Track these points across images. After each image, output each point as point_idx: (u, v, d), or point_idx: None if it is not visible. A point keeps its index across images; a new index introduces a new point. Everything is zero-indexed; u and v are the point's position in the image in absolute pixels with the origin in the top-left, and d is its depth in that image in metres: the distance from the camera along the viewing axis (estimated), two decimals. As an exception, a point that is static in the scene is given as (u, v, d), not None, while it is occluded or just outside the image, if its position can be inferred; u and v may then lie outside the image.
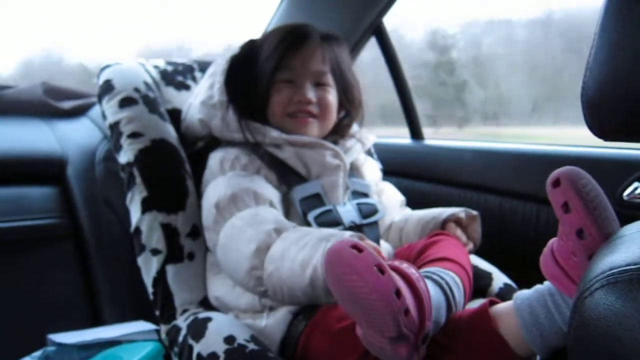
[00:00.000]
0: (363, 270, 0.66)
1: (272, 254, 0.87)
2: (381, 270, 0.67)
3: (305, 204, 1.06)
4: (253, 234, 0.91)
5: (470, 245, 1.13)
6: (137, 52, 2.27)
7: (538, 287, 0.79)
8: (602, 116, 0.54)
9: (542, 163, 1.31)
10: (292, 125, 1.11)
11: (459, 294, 0.85)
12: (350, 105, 1.20)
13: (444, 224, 1.14)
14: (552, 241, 0.76)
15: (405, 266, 0.76)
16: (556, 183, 0.70)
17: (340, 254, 0.67)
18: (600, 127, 0.55)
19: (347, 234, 0.83)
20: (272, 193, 1.04)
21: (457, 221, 1.15)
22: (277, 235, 0.90)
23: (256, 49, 1.15)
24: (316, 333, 0.91)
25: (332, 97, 1.15)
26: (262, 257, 0.88)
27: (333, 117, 1.17)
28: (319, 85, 1.13)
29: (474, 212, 1.15)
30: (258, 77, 1.12)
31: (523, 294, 0.80)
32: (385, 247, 1.16)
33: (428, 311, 0.73)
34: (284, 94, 1.11)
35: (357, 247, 0.67)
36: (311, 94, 1.11)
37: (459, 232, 1.13)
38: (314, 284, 0.80)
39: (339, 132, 1.20)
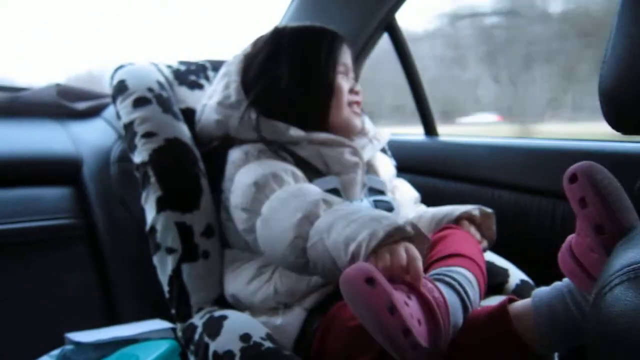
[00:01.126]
0: (373, 309, 0.65)
1: (319, 225, 0.83)
2: (392, 310, 0.65)
3: None
4: (300, 204, 0.88)
5: (485, 244, 1.12)
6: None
7: (556, 284, 0.79)
8: (620, 109, 0.53)
9: (557, 158, 1.30)
10: (350, 114, 1.15)
11: (473, 293, 0.84)
12: None
13: (457, 221, 1.13)
14: (570, 237, 0.76)
15: (428, 288, 0.74)
16: (573, 178, 0.69)
17: (353, 286, 0.66)
18: (618, 120, 0.54)
19: (403, 219, 0.78)
20: (303, 178, 1.04)
21: (471, 219, 1.14)
22: (325, 205, 0.87)
23: (285, 47, 1.14)
24: (331, 330, 0.91)
25: None
26: (308, 227, 0.84)
27: None
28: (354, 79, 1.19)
29: (488, 210, 1.14)
30: (310, 75, 1.12)
31: (541, 291, 0.80)
32: None
33: (445, 334, 0.73)
34: (344, 87, 1.14)
35: (371, 280, 0.65)
36: (358, 84, 1.18)
37: (472, 229, 1.12)
38: (356, 261, 0.75)
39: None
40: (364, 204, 0.88)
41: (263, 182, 0.97)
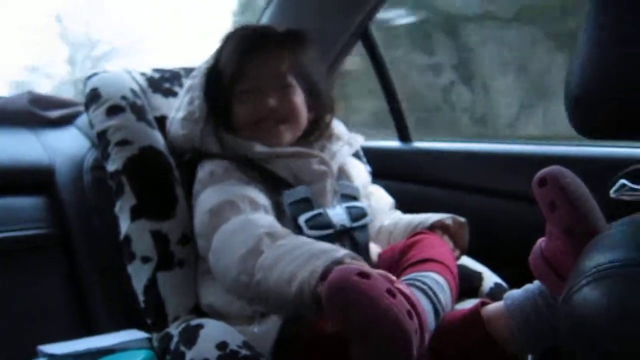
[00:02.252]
0: (374, 296, 0.65)
1: (262, 262, 0.84)
2: (392, 294, 0.66)
3: (295, 208, 1.06)
4: (245, 238, 0.89)
5: (457, 253, 1.13)
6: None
7: (528, 286, 0.80)
8: (586, 114, 0.54)
9: (529, 162, 1.32)
10: (262, 134, 1.11)
11: (444, 297, 0.85)
12: (317, 104, 1.19)
13: (430, 230, 1.14)
14: (540, 241, 0.77)
15: (403, 286, 0.75)
16: (542, 183, 0.71)
17: (348, 282, 0.66)
18: (584, 124, 0.55)
19: (342, 252, 0.78)
20: (265, 200, 1.04)
21: (444, 227, 1.15)
22: (269, 240, 0.87)
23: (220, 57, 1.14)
24: (309, 337, 0.91)
25: (297, 98, 1.14)
26: (252, 262, 0.85)
27: (302, 118, 1.16)
28: (281, 88, 1.12)
29: (462, 219, 1.15)
30: (221, 89, 1.11)
31: (513, 294, 0.81)
32: (375, 250, 1.16)
33: (426, 327, 0.73)
34: (245, 105, 1.11)
35: (364, 274, 0.66)
36: (272, 100, 1.10)
37: (445, 238, 1.13)
38: (299, 300, 0.76)
39: (322, 134, 1.20)
40: (306, 239, 0.86)
41: (217, 209, 0.98)
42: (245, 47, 1.10)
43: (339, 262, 0.75)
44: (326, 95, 1.20)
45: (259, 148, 1.09)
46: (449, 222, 1.15)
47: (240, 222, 0.94)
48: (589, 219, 0.69)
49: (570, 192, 0.69)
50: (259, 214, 0.98)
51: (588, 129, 0.55)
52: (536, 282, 0.79)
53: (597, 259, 0.48)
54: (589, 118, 0.54)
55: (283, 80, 1.12)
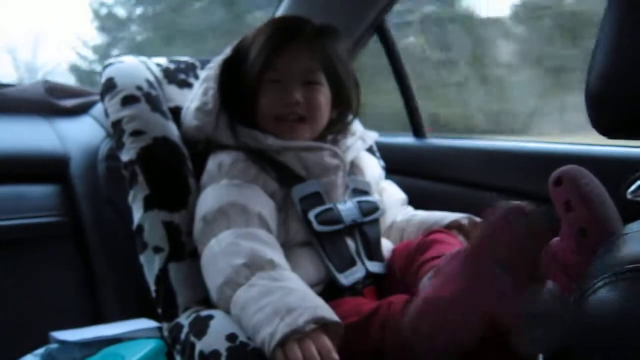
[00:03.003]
0: None
1: (236, 299, 0.88)
2: None
3: (305, 203, 1.06)
4: (223, 267, 0.92)
5: None
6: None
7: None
8: (606, 113, 0.54)
9: (544, 161, 1.31)
10: (281, 129, 1.10)
11: None
12: (343, 103, 1.19)
13: (446, 229, 1.14)
14: (553, 241, 0.76)
15: None
16: (558, 182, 0.70)
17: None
18: (604, 124, 0.55)
19: (304, 317, 0.79)
20: (263, 204, 1.03)
21: (460, 228, 1.14)
22: (246, 271, 0.90)
23: (246, 48, 1.13)
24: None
25: (322, 96, 1.13)
26: (229, 293, 0.90)
27: (324, 117, 1.15)
28: (309, 84, 1.11)
29: (478, 220, 1.15)
30: (245, 78, 1.10)
31: None
32: (386, 245, 1.16)
33: None
34: (271, 95, 1.10)
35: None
36: (298, 94, 1.09)
37: (460, 238, 1.12)
38: (263, 349, 0.81)
39: (339, 131, 1.19)
40: (282, 276, 0.90)
41: (210, 218, 1.00)
42: (279, 38, 1.10)
43: (297, 331, 0.78)
44: (352, 94, 1.19)
45: (271, 140, 1.09)
46: (464, 222, 1.14)
47: (226, 244, 0.95)
48: (603, 221, 0.68)
49: (586, 192, 0.68)
50: (249, 230, 0.98)
51: (607, 128, 0.54)
52: (548, 282, 0.79)
53: (613, 260, 0.47)
54: (608, 117, 0.54)
55: (311, 77, 1.12)
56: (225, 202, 1.00)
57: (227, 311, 0.92)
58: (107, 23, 2.99)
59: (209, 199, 1.04)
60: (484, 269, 0.71)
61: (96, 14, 2.99)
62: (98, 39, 2.98)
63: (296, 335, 0.78)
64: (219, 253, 0.95)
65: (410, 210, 1.30)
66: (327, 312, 0.82)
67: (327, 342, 0.79)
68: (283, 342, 0.78)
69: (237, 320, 0.89)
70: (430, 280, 0.81)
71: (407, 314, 0.77)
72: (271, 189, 1.06)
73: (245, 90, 1.11)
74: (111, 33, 2.98)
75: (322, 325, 0.81)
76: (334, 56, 1.15)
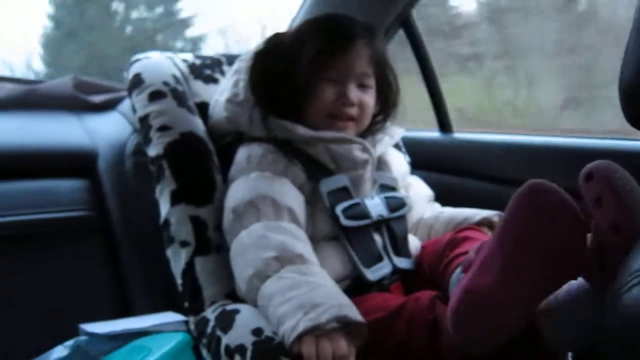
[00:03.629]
0: None
1: (264, 291, 0.89)
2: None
3: (332, 197, 1.05)
4: (253, 259, 0.92)
5: None
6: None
7: (572, 283, 0.78)
8: (639, 106, 0.52)
9: (573, 156, 1.28)
10: (331, 126, 1.10)
11: None
12: (386, 105, 1.18)
13: (477, 225, 1.12)
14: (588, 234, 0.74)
15: None
16: (589, 177, 0.68)
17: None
18: (637, 117, 0.53)
19: (327, 314, 0.80)
20: (293, 198, 1.03)
21: (490, 225, 1.13)
22: (276, 264, 0.90)
23: (288, 42, 1.12)
24: None
25: (371, 99, 1.13)
26: (257, 284, 0.90)
27: (369, 119, 1.15)
28: (361, 86, 1.11)
29: None
30: (297, 73, 1.08)
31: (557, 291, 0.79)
32: (413, 242, 1.15)
33: None
34: (329, 94, 1.08)
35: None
36: (354, 95, 1.09)
37: (491, 236, 1.11)
38: (283, 340, 0.82)
39: (371, 130, 1.19)
40: (311, 271, 0.90)
41: (240, 211, 1.00)
42: (338, 38, 1.09)
43: (318, 327, 0.78)
44: (395, 98, 1.18)
45: (302, 130, 1.08)
46: (495, 219, 1.13)
47: (256, 236, 0.96)
48: (637, 217, 0.66)
49: (618, 187, 0.66)
50: (279, 223, 0.98)
51: (642, 121, 0.53)
52: (579, 279, 0.77)
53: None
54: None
55: (366, 80, 1.11)
56: (256, 194, 1.01)
57: (254, 303, 0.93)
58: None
59: (239, 191, 1.04)
60: (516, 257, 0.70)
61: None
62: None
63: (317, 332, 0.79)
64: (250, 245, 0.95)
65: (437, 207, 1.29)
66: (351, 310, 0.82)
67: (343, 345, 0.79)
68: (302, 337, 0.78)
69: (263, 311, 0.89)
70: (462, 272, 0.80)
71: (449, 307, 0.76)
72: (300, 181, 1.06)
73: (293, 84, 1.09)
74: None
75: (345, 324, 0.81)
76: (385, 60, 1.15)
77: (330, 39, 1.09)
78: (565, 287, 0.78)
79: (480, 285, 0.73)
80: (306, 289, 0.85)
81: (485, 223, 1.13)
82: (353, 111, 1.10)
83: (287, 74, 1.09)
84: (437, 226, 1.19)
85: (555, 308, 0.76)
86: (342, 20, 1.13)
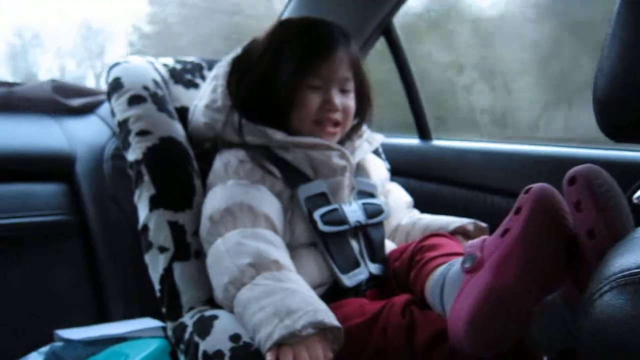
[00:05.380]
0: None
1: (239, 299, 0.89)
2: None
3: (310, 203, 1.06)
4: (228, 266, 0.92)
5: None
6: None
7: None
8: (613, 116, 0.53)
9: (550, 164, 1.30)
10: (317, 133, 1.10)
11: None
12: (363, 108, 1.19)
13: (451, 234, 1.13)
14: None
15: None
16: (572, 181, 0.69)
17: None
18: (611, 127, 0.54)
19: (302, 321, 0.80)
20: (269, 205, 1.03)
21: (465, 233, 1.14)
22: (252, 270, 0.90)
23: (265, 48, 1.12)
24: None
25: (352, 103, 1.14)
26: (233, 292, 0.90)
27: (351, 122, 1.16)
28: (343, 91, 1.12)
29: (483, 225, 1.15)
30: (278, 80, 1.09)
31: None
32: (390, 247, 1.16)
33: None
34: (314, 101, 1.09)
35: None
36: (339, 101, 1.10)
37: (464, 244, 1.12)
38: (259, 348, 0.82)
39: (349, 134, 1.19)
40: (287, 277, 0.90)
41: (216, 218, 1.00)
42: (318, 45, 1.09)
43: (294, 334, 0.79)
44: (370, 101, 1.20)
45: (280, 136, 1.09)
46: (470, 227, 1.14)
47: (232, 243, 0.96)
48: (614, 222, 0.67)
49: (599, 193, 0.67)
50: (255, 230, 0.98)
51: (615, 131, 0.54)
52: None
53: (621, 264, 0.47)
54: (616, 120, 0.53)
55: (347, 84, 1.12)
56: (232, 202, 1.01)
57: (231, 310, 0.92)
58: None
59: (216, 199, 1.04)
60: (535, 253, 0.72)
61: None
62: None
63: (293, 339, 0.79)
64: (225, 252, 0.95)
65: (416, 214, 1.30)
66: (326, 316, 0.82)
67: (319, 352, 0.80)
68: (278, 344, 0.79)
69: (239, 318, 0.89)
70: (466, 272, 0.80)
71: (466, 309, 0.75)
72: (277, 188, 1.07)
73: (274, 90, 1.09)
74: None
75: (322, 329, 0.81)
76: (358, 62, 1.16)
77: (312, 46, 1.09)
78: None
79: (505, 282, 0.73)
80: (281, 295, 0.85)
81: (459, 231, 1.14)
82: (338, 116, 1.11)
83: (267, 81, 1.10)
84: (414, 233, 1.20)
85: (536, 311, 0.77)
86: (321, 25, 1.13)
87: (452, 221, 1.16)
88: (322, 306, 0.84)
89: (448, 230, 1.13)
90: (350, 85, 1.13)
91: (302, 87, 1.09)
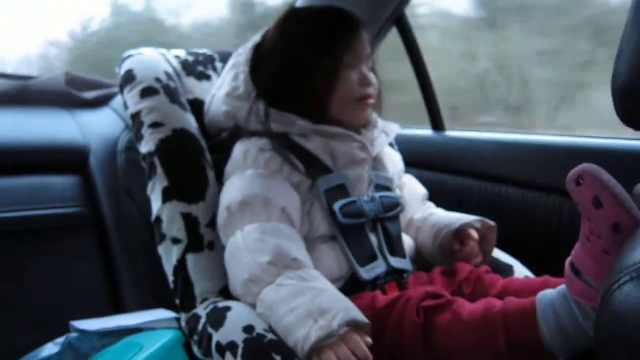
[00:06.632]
0: None
1: (263, 297, 0.89)
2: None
3: (329, 195, 1.05)
4: (248, 263, 0.92)
5: (479, 259, 1.11)
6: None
7: (561, 288, 0.78)
8: (633, 105, 0.52)
9: (564, 154, 1.29)
10: (359, 112, 1.10)
11: None
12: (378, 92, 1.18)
13: (456, 232, 1.13)
14: (571, 257, 0.74)
15: None
16: (579, 181, 0.67)
17: None
18: (632, 115, 0.53)
19: (338, 319, 0.80)
20: (287, 197, 1.03)
21: (468, 232, 1.13)
22: (272, 269, 0.90)
23: (291, 33, 1.11)
24: None
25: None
26: (255, 290, 0.90)
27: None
28: (371, 70, 1.12)
29: (491, 223, 1.14)
30: (316, 63, 1.07)
31: (546, 295, 0.79)
32: (406, 241, 1.15)
33: None
34: (353, 78, 1.08)
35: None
36: (371, 76, 1.10)
37: (472, 243, 1.12)
38: (295, 350, 0.82)
39: (364, 124, 1.18)
40: (310, 276, 0.90)
41: (233, 209, 1.00)
42: (346, 23, 1.09)
43: (331, 334, 0.79)
44: (381, 84, 1.18)
45: (302, 122, 1.07)
46: (477, 225, 1.13)
47: (251, 239, 0.95)
48: (634, 213, 0.65)
49: (612, 186, 0.65)
50: (273, 224, 0.98)
51: (635, 120, 0.53)
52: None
53: (639, 254, 0.46)
54: (636, 109, 0.52)
55: (371, 62, 1.12)
56: (250, 193, 1.00)
57: (252, 306, 0.93)
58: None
59: (234, 189, 1.03)
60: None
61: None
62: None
63: (330, 339, 0.79)
64: (245, 248, 0.95)
65: (429, 207, 1.28)
66: (358, 313, 0.83)
67: (360, 343, 0.80)
68: (317, 346, 0.79)
69: (264, 318, 0.89)
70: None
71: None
72: (296, 179, 1.06)
73: (312, 75, 1.08)
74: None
75: (354, 326, 0.82)
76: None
77: (343, 25, 1.09)
78: (556, 291, 0.78)
79: None
80: (310, 295, 0.85)
81: (467, 228, 1.13)
82: (373, 91, 1.10)
83: (298, 68, 1.08)
84: (423, 229, 1.20)
85: (546, 315, 0.76)
86: (339, 9, 1.13)
87: (458, 219, 1.15)
88: (350, 303, 0.85)
89: (453, 229, 1.13)
90: (373, 64, 1.13)
91: (343, 67, 1.07)
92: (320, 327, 0.79)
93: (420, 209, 1.27)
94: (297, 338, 0.81)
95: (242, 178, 1.05)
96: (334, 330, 0.79)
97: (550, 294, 0.79)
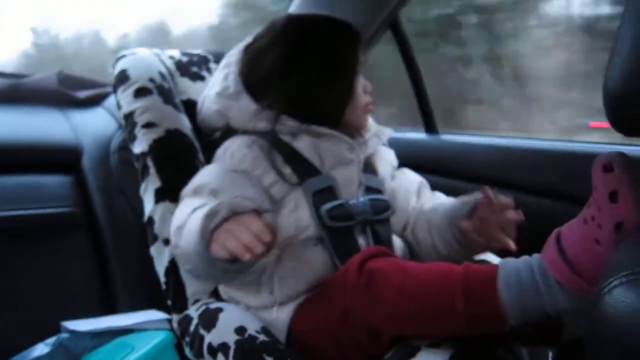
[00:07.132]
0: None
1: (174, 223, 0.92)
2: None
3: (318, 197, 1.04)
4: (177, 216, 0.95)
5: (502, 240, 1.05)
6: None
7: (526, 259, 0.76)
8: (625, 111, 0.52)
9: (557, 158, 1.29)
10: (364, 119, 1.13)
11: None
12: None
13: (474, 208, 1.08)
14: (562, 229, 0.72)
15: None
16: (608, 168, 0.64)
17: None
18: (622, 121, 0.54)
19: (224, 206, 0.83)
20: (244, 193, 0.99)
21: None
22: (195, 211, 0.91)
23: (294, 37, 1.10)
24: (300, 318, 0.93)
25: None
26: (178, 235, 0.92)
27: None
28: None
29: (491, 198, 1.05)
30: (336, 73, 1.08)
31: (509, 263, 0.76)
32: (398, 245, 1.14)
33: None
34: (361, 87, 1.10)
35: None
36: (368, 84, 1.12)
37: (474, 236, 1.04)
38: (199, 256, 0.84)
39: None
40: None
41: (186, 195, 1.02)
42: (347, 31, 1.11)
43: (215, 212, 0.83)
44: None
45: (291, 122, 1.06)
46: (470, 207, 1.10)
47: (183, 204, 0.98)
48: None
49: (636, 185, 0.63)
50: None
51: (626, 127, 0.53)
52: (535, 256, 0.74)
53: (631, 259, 0.47)
54: (627, 116, 0.52)
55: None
56: (200, 183, 1.01)
57: (178, 255, 0.96)
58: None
59: (194, 178, 1.04)
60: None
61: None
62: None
63: (218, 218, 0.82)
64: (177, 210, 0.98)
65: (439, 198, 1.25)
66: (242, 201, 0.87)
67: (253, 220, 0.82)
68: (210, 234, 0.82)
69: (177, 241, 0.92)
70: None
71: None
72: (271, 179, 1.04)
73: (329, 82, 1.08)
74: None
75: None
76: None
77: (349, 34, 1.10)
78: (521, 260, 0.77)
79: None
80: (209, 206, 0.87)
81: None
82: (372, 97, 1.13)
83: (319, 81, 1.08)
84: (436, 219, 1.14)
85: (509, 284, 0.74)
86: (334, 18, 1.13)
87: (466, 202, 1.11)
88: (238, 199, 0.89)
89: (460, 215, 1.08)
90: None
91: (355, 75, 1.09)
92: (207, 217, 0.82)
93: (428, 199, 1.23)
94: (196, 241, 0.82)
95: (206, 169, 1.06)
96: (219, 211, 0.82)
97: (514, 261, 0.76)
